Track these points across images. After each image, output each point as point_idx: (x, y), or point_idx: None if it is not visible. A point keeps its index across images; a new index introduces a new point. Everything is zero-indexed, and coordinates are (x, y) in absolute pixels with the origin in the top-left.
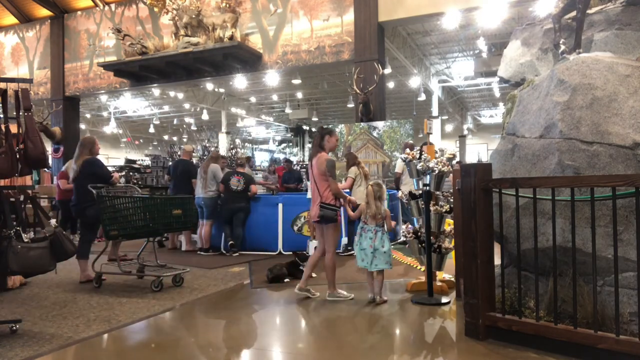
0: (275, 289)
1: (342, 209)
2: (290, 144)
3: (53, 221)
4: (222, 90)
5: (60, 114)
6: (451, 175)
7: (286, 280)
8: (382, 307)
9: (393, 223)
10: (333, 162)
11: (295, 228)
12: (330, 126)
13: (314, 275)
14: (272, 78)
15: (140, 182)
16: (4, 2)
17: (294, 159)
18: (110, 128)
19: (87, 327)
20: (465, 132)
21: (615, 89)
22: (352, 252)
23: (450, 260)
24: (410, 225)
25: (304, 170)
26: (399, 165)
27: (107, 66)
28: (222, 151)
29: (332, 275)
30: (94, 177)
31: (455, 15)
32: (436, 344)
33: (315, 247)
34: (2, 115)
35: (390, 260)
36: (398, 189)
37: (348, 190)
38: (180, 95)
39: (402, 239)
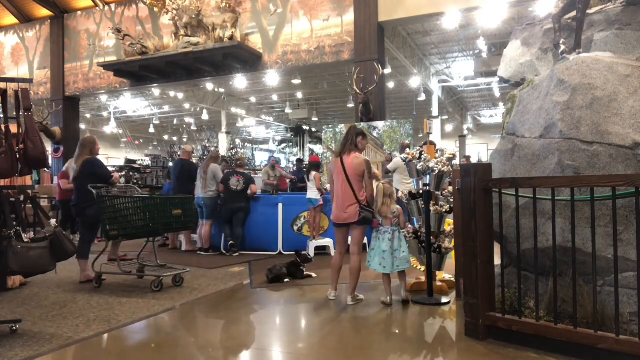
0: (275, 289)
1: None
2: (290, 144)
3: (53, 221)
4: (222, 90)
5: (60, 114)
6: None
7: (286, 280)
8: (382, 307)
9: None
10: (370, 164)
11: (295, 228)
12: (340, 128)
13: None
14: (272, 78)
15: (140, 182)
16: (4, 2)
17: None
18: (110, 128)
19: (87, 327)
20: (465, 132)
21: (615, 89)
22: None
23: (450, 260)
24: (410, 225)
25: (305, 170)
26: (394, 164)
27: (107, 66)
28: (222, 151)
29: (357, 279)
30: (94, 177)
31: (455, 15)
32: (436, 344)
33: (335, 250)
34: (2, 115)
35: (409, 258)
36: None
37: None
38: (180, 95)
39: None
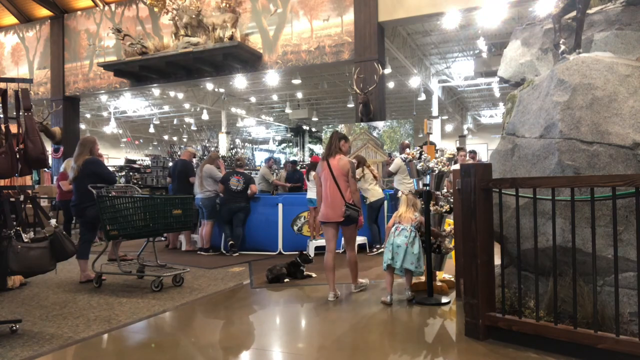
0: (275, 289)
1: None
2: (290, 144)
3: (53, 221)
4: (222, 90)
5: (60, 114)
6: (451, 175)
7: (286, 280)
8: (382, 307)
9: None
10: (354, 165)
11: (295, 228)
12: (340, 128)
13: (313, 275)
14: (272, 78)
15: (140, 182)
16: (4, 2)
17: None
18: (110, 128)
19: (87, 327)
20: (465, 132)
21: (615, 89)
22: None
23: (450, 260)
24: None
25: (304, 170)
26: (395, 165)
27: (107, 66)
28: (222, 151)
29: (356, 270)
30: (95, 177)
31: (455, 15)
32: (436, 344)
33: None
34: (2, 115)
35: (418, 264)
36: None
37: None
38: (180, 95)
39: None
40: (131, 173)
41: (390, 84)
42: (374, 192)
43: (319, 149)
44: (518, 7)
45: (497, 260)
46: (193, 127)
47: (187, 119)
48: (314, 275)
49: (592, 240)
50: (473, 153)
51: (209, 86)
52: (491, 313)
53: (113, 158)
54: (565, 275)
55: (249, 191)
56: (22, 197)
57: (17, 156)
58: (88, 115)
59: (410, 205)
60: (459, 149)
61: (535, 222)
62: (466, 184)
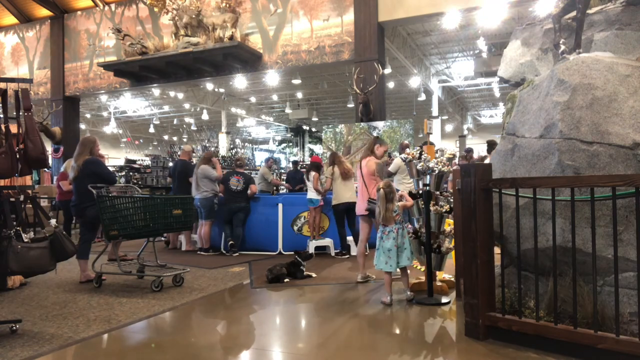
0: (275, 289)
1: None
2: (290, 144)
3: (53, 221)
4: (222, 90)
5: (60, 114)
6: (451, 174)
7: (286, 280)
8: (382, 307)
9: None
10: (382, 166)
11: (295, 228)
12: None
13: (313, 275)
14: (272, 78)
15: (140, 182)
16: (4, 2)
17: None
18: (110, 128)
19: (87, 327)
20: (465, 132)
21: (615, 89)
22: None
23: (450, 260)
24: (410, 225)
25: (304, 170)
26: (394, 165)
27: (107, 66)
28: (222, 151)
29: (363, 260)
30: (95, 177)
31: (455, 15)
32: (436, 344)
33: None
34: (2, 115)
35: (410, 255)
36: None
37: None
38: (180, 95)
39: None
40: (131, 173)
41: (390, 84)
42: (338, 194)
43: (319, 149)
44: (518, 7)
45: (497, 260)
46: (193, 127)
47: (187, 119)
48: (314, 275)
49: (592, 240)
50: (470, 152)
51: (209, 86)
52: (491, 313)
53: (113, 158)
54: (565, 275)
55: (249, 191)
56: (22, 197)
57: (17, 156)
58: (88, 115)
59: (389, 201)
60: (492, 144)
61: (535, 222)
62: (466, 184)
